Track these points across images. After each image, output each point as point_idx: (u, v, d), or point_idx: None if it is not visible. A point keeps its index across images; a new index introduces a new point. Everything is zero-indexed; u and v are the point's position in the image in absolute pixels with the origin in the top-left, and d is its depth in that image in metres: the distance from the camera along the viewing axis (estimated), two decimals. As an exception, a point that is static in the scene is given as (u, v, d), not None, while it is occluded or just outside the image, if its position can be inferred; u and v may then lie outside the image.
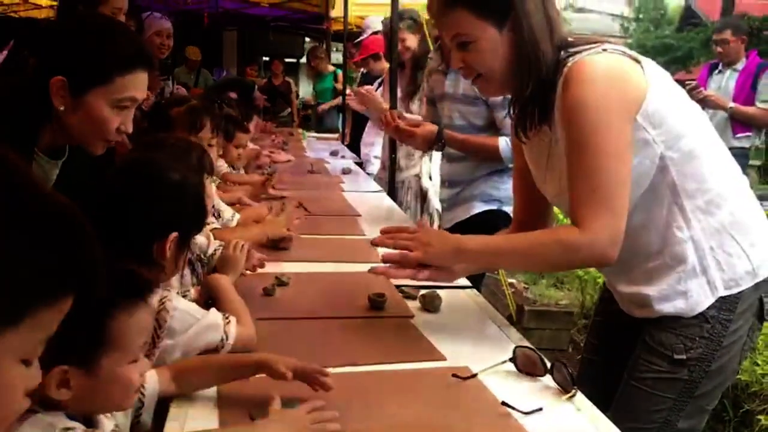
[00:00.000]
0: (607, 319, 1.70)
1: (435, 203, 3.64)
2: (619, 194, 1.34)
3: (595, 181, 1.34)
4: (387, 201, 3.29)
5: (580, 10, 28.63)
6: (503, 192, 2.59)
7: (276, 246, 2.06)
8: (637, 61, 1.39)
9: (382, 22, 4.30)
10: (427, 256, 1.42)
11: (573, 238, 1.36)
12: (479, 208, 2.61)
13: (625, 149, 1.34)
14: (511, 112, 1.54)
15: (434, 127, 2.63)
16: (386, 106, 3.75)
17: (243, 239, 1.75)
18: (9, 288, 0.56)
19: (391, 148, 3.63)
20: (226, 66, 11.89)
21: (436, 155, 3.70)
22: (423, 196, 3.73)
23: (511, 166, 2.50)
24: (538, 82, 1.42)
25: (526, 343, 1.45)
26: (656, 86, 1.37)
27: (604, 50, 1.38)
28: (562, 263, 1.51)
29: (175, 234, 1.24)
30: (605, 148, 1.33)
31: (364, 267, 1.95)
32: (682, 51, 11.62)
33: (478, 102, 2.53)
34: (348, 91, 5.23)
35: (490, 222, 2.59)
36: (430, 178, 3.71)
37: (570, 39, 1.44)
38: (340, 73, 8.25)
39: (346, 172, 4.12)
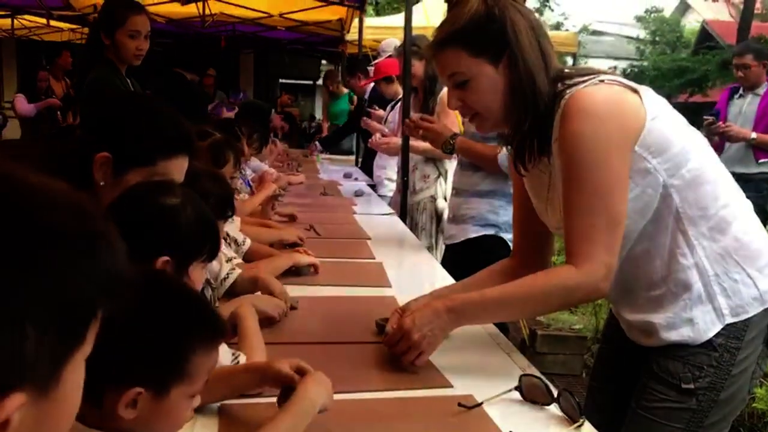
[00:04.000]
0: (613, 346, 1.69)
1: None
2: (615, 232, 1.35)
3: (592, 219, 1.34)
4: (398, 224, 3.30)
5: (596, 32, 28.70)
6: (502, 218, 2.61)
7: (301, 272, 2.08)
8: (635, 91, 1.39)
9: (395, 48, 4.34)
10: (432, 345, 1.42)
11: (573, 279, 1.36)
12: (474, 232, 2.63)
13: (622, 185, 1.35)
14: (509, 146, 1.54)
15: (449, 130, 2.74)
16: (419, 143, 3.82)
17: (274, 271, 1.76)
18: None
19: (404, 171, 3.66)
20: (243, 88, 12.02)
21: (450, 177, 3.74)
22: (438, 217, 3.75)
23: (512, 185, 2.55)
24: (536, 116, 1.42)
25: (533, 370, 1.44)
26: (655, 115, 1.38)
27: (601, 81, 1.38)
28: (563, 305, 1.52)
29: (165, 258, 1.23)
30: (602, 186, 1.34)
31: (372, 291, 1.99)
32: (698, 74, 11.59)
33: None
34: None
35: (486, 248, 2.62)
36: (445, 199, 3.73)
37: (566, 71, 1.45)
38: (354, 96, 8.34)
39: (358, 194, 4.14)
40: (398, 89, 4.76)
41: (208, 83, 9.25)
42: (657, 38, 27.79)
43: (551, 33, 3.18)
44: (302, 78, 16.42)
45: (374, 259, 2.41)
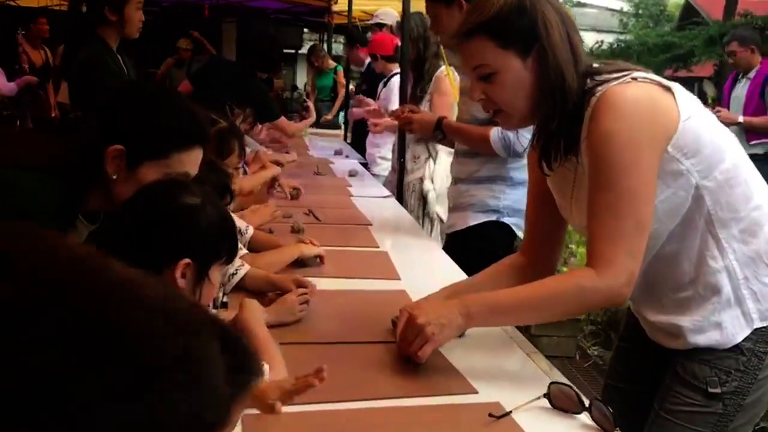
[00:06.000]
0: (633, 346, 1.66)
1: (436, 208, 3.61)
2: (640, 236, 1.30)
3: (618, 221, 1.30)
4: (397, 207, 3.24)
5: (579, 4, 28.54)
6: (503, 202, 2.56)
7: (306, 264, 2.02)
8: (668, 90, 1.34)
9: (395, 23, 4.24)
10: (440, 343, 1.38)
11: (592, 283, 1.31)
12: (476, 219, 2.59)
13: (651, 188, 1.30)
14: (534, 143, 1.49)
15: (434, 116, 2.66)
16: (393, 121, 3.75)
17: (280, 263, 1.68)
18: None
19: (400, 152, 3.60)
20: (225, 56, 11.77)
21: (441, 159, 3.69)
22: (424, 198, 3.70)
23: (513, 169, 2.52)
24: (564, 114, 1.37)
25: (557, 373, 1.41)
26: (689, 115, 1.32)
27: (634, 79, 1.33)
28: (581, 309, 1.47)
29: (186, 261, 1.18)
30: (630, 189, 1.29)
31: (381, 284, 1.94)
32: (684, 49, 11.53)
33: None
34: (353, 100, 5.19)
35: (488, 235, 2.58)
36: (432, 181, 3.68)
37: (595, 65, 1.40)
38: (341, 69, 8.20)
39: (352, 174, 4.07)
40: (389, 65, 4.67)
41: (186, 56, 9.06)
42: (640, 11, 27.75)
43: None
44: (285, 47, 16.18)
45: (379, 248, 2.36)
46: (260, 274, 1.74)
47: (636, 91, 1.31)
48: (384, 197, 3.44)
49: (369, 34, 5.93)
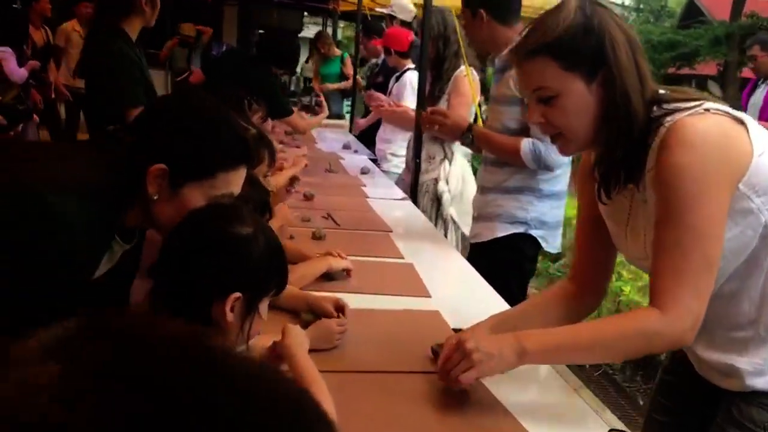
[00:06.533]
0: (680, 380, 1.59)
1: (450, 210, 3.55)
2: (707, 276, 1.23)
3: (684, 260, 1.22)
4: (413, 211, 3.17)
5: (580, -3, 28.34)
6: (531, 214, 2.50)
7: (333, 277, 1.95)
8: (741, 122, 1.27)
9: (415, 19, 4.14)
10: (485, 372, 1.30)
11: (656, 325, 1.24)
12: (503, 230, 2.52)
13: (720, 226, 1.23)
14: (595, 172, 1.41)
15: (465, 120, 2.61)
16: (411, 114, 3.66)
17: (310, 277, 1.61)
18: None
19: (416, 152, 3.52)
20: (226, 40, 11.63)
21: (457, 160, 3.62)
22: (438, 200, 3.63)
23: (542, 180, 2.46)
24: (629, 142, 1.30)
25: (608, 414, 1.35)
26: (762, 150, 1.25)
27: (706, 110, 1.26)
28: (643, 353, 1.39)
29: (237, 294, 1.11)
30: (699, 227, 1.22)
31: (412, 302, 1.87)
32: (689, 48, 11.48)
33: (513, 101, 2.43)
34: (365, 92, 5.09)
35: (515, 247, 2.52)
36: (447, 182, 3.61)
37: (661, 92, 1.32)
38: (347, 57, 8.09)
39: (364, 172, 3.99)
40: (402, 60, 4.57)
41: (189, 41, 8.94)
42: (641, 6, 27.63)
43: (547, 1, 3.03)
44: (284, 29, 16.04)
45: (403, 259, 2.29)
46: (298, 294, 1.67)
47: (709, 124, 1.24)
48: (400, 199, 3.36)
49: (383, 25, 5.83)
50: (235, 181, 1.30)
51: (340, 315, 1.61)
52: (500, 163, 2.54)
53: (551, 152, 2.36)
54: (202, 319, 1.12)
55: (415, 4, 6.40)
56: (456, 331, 1.67)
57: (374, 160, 4.67)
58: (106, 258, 1.28)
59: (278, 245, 1.20)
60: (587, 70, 1.28)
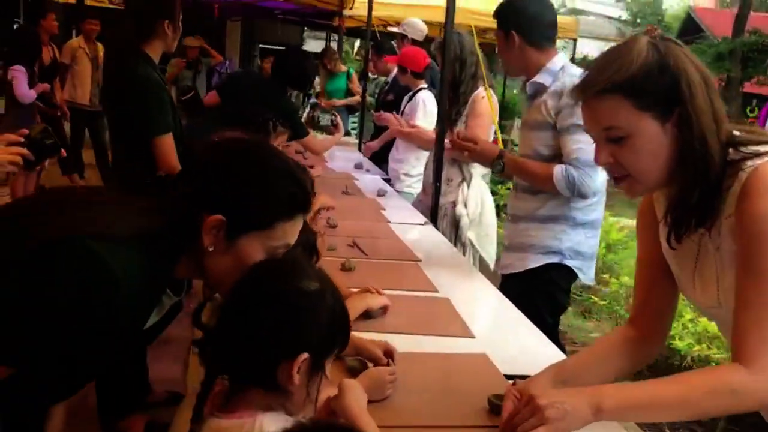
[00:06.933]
0: (742, 429, 1.52)
1: (468, 233, 3.48)
2: None
3: None
4: (438, 237, 3.10)
5: (576, 11, 28.51)
6: (566, 243, 2.42)
7: (370, 315, 1.86)
8: None
9: (435, 41, 4.09)
10: (558, 430, 1.20)
11: (746, 385, 1.16)
12: (536, 261, 2.44)
13: None
14: (667, 217, 1.33)
15: (495, 147, 2.56)
16: (431, 135, 3.60)
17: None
18: None
19: (436, 176, 3.44)
20: (229, 56, 11.59)
21: (475, 183, 3.54)
22: (456, 224, 3.55)
23: (576, 209, 2.38)
24: (707, 186, 1.22)
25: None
26: None
27: None
28: (729, 412, 1.31)
29: (305, 355, 1.03)
30: None
31: (456, 344, 1.79)
32: (692, 64, 11.52)
33: (545, 126, 2.37)
34: (374, 113, 5.04)
35: (549, 279, 2.44)
36: (465, 206, 3.54)
37: (736, 133, 1.25)
38: (353, 73, 8.04)
39: (381, 194, 3.91)
40: (416, 80, 4.52)
41: (193, 55, 8.89)
42: (638, 20, 27.77)
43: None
44: (285, 45, 16.08)
45: (437, 292, 2.20)
46: None
47: None
48: (422, 224, 3.28)
49: (394, 43, 5.78)
50: (292, 232, 1.24)
51: (390, 361, 1.52)
52: (532, 190, 2.46)
53: (585, 179, 2.29)
54: (267, 382, 1.04)
55: (433, 25, 6.37)
56: (509, 378, 1.59)
57: (387, 180, 4.60)
58: (155, 311, 1.21)
59: (341, 299, 1.12)
60: (662, 110, 1.21)
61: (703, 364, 3.20)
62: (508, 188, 6.27)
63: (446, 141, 3.40)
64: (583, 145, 2.26)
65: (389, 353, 1.54)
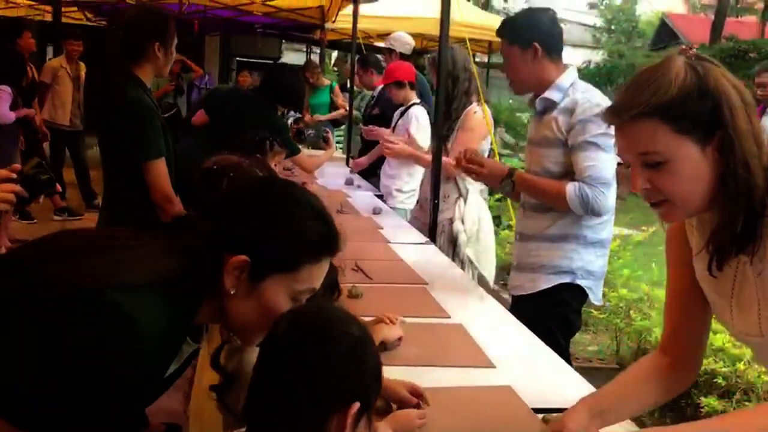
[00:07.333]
0: None
1: (466, 250, 3.42)
2: None
3: None
4: (439, 257, 3.03)
5: (552, 19, 28.68)
6: (577, 263, 2.37)
7: (385, 347, 1.79)
8: None
9: (428, 57, 4.03)
10: None
11: None
12: (548, 282, 2.39)
13: None
14: (708, 244, 1.28)
15: (504, 166, 2.51)
16: (427, 156, 3.54)
17: None
18: None
19: (434, 193, 3.39)
20: (208, 70, 11.49)
21: (472, 199, 3.49)
22: (454, 241, 3.50)
23: (586, 227, 2.33)
24: (750, 212, 1.17)
25: None
26: None
27: None
28: None
29: (357, 405, 0.97)
30: None
31: (478, 375, 1.72)
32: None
33: (556, 144, 2.31)
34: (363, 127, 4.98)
35: (561, 300, 2.39)
36: (463, 222, 3.49)
37: None
38: (336, 86, 7.98)
39: (376, 212, 3.85)
40: (408, 95, 4.47)
41: (176, 69, 8.78)
42: (613, 27, 28.03)
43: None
44: (264, 58, 16.03)
45: (449, 318, 2.14)
46: None
47: None
48: (422, 243, 3.22)
49: (379, 56, 5.74)
50: (318, 275, 1.16)
51: (420, 403, 1.45)
52: (543, 208, 2.41)
53: (599, 197, 2.24)
54: None
55: (416, 36, 6.33)
56: (538, 412, 1.53)
57: (379, 196, 4.54)
58: (174, 360, 1.13)
59: (374, 341, 1.06)
60: (702, 134, 1.16)
61: (710, 377, 3.16)
62: (497, 199, 6.27)
63: (444, 159, 3.36)
64: (597, 162, 2.22)
65: (417, 394, 1.46)
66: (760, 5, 18.93)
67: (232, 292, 1.09)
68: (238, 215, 1.12)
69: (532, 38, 2.33)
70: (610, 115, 1.23)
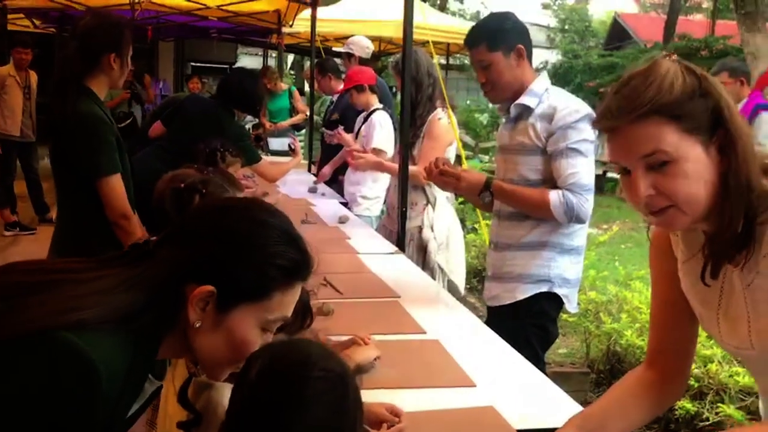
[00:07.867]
0: None
1: (437, 258, 3.36)
2: None
3: None
4: (410, 266, 2.96)
5: (506, 19, 28.92)
6: (554, 270, 2.32)
7: (361, 370, 1.70)
8: None
9: (391, 60, 3.96)
10: None
11: None
12: (525, 292, 2.33)
13: None
14: (703, 251, 1.23)
15: (481, 175, 2.43)
16: (395, 165, 3.46)
17: None
18: None
19: (402, 200, 3.31)
20: (162, 76, 11.25)
21: (440, 205, 3.44)
22: (424, 249, 3.43)
23: (563, 234, 2.29)
24: (749, 214, 1.13)
25: None
26: None
27: None
28: None
29: None
30: None
31: (460, 396, 1.65)
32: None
33: (534, 151, 2.26)
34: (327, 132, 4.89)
35: (539, 309, 2.34)
36: (432, 229, 3.42)
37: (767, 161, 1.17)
38: (295, 90, 7.86)
39: (342, 221, 3.76)
40: (370, 100, 4.40)
41: (129, 77, 8.55)
42: (567, 27, 28.40)
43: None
44: (220, 63, 15.80)
45: (425, 333, 2.06)
46: None
47: None
48: (392, 253, 3.14)
49: (338, 61, 5.65)
50: (290, 302, 1.07)
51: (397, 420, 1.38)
52: (519, 217, 2.35)
53: (584, 204, 2.20)
54: None
55: (374, 39, 6.26)
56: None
57: (344, 203, 4.45)
58: (136, 401, 1.03)
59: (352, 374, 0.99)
60: (705, 134, 1.12)
61: (699, 384, 3.12)
62: (461, 203, 6.23)
63: (412, 168, 3.29)
64: (579, 169, 2.18)
65: (395, 412, 1.40)
66: (708, 4, 19.40)
67: (197, 325, 1.00)
68: (202, 241, 1.03)
69: (516, 42, 2.28)
70: (606, 120, 1.17)
